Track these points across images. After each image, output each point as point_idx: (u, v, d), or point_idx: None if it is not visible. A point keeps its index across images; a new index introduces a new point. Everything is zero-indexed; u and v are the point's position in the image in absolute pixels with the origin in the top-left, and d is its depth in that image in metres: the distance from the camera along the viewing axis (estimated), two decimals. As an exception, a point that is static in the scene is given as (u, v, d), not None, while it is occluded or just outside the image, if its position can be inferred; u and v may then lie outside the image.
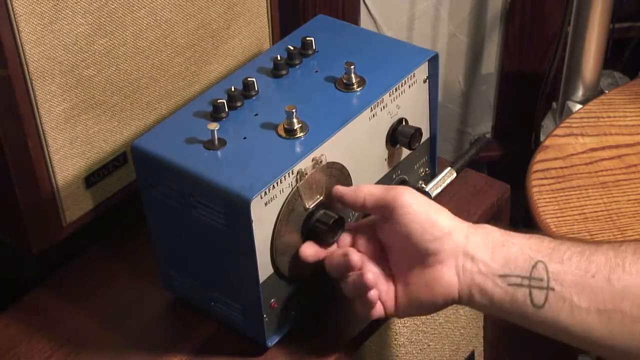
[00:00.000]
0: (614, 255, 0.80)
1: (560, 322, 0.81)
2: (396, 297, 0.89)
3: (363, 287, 0.87)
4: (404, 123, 0.99)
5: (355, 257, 0.88)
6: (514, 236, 0.85)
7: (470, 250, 0.85)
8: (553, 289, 0.81)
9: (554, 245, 0.83)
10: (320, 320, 0.97)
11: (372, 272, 0.88)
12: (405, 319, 1.04)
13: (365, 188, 0.89)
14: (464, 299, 0.86)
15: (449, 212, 0.88)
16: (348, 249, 0.89)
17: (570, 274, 0.81)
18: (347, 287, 0.89)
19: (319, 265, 0.95)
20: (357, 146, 0.94)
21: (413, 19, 1.83)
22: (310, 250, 0.90)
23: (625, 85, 1.40)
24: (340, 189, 0.91)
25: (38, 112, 0.93)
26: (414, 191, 0.88)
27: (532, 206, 1.18)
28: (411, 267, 0.87)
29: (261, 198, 0.85)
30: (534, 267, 0.82)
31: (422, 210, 0.86)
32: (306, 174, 0.89)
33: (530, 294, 0.82)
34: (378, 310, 0.89)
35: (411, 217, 0.86)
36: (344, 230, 0.91)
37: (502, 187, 1.12)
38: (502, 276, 0.84)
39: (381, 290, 0.88)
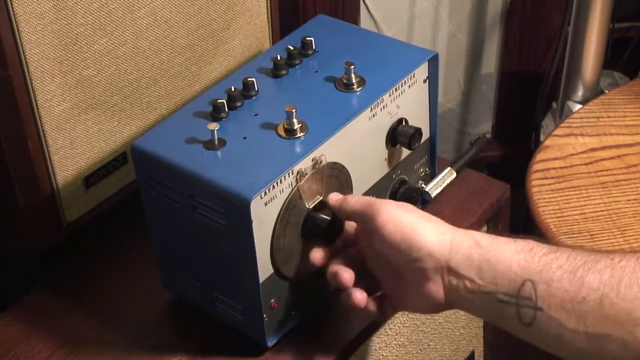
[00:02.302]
0: (609, 276, 0.76)
1: (549, 341, 0.79)
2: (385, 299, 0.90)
3: (353, 306, 0.88)
4: (403, 123, 0.99)
5: (345, 275, 0.88)
6: (502, 250, 0.81)
7: (455, 267, 0.83)
8: (541, 309, 0.78)
9: (544, 262, 0.79)
10: (320, 320, 0.97)
11: (360, 292, 0.88)
12: (405, 319, 1.04)
13: (348, 203, 0.89)
14: (454, 307, 0.86)
15: (430, 223, 0.85)
16: (339, 268, 0.88)
17: (558, 297, 0.77)
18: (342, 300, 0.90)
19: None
20: (357, 146, 0.94)
21: (413, 19, 1.83)
22: (319, 254, 0.90)
23: (625, 85, 1.40)
24: (331, 199, 0.91)
25: (38, 112, 0.93)
26: (390, 209, 0.85)
27: (532, 206, 1.18)
28: (398, 282, 0.87)
29: (261, 198, 0.85)
30: (521, 285, 0.79)
31: (396, 233, 0.84)
32: (306, 174, 0.89)
33: (518, 312, 0.80)
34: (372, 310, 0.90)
35: (387, 241, 0.84)
36: (343, 229, 0.92)
37: (502, 187, 1.12)
38: (489, 293, 0.81)
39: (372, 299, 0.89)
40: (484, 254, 0.82)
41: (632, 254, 0.77)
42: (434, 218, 0.86)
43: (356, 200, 0.89)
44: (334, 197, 0.90)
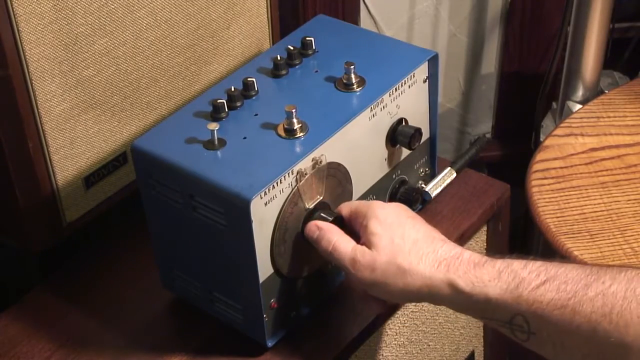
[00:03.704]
0: (601, 304, 0.75)
1: (546, 354, 0.79)
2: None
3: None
4: (403, 123, 0.99)
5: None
6: (487, 291, 0.80)
7: (445, 298, 0.83)
8: (535, 334, 0.79)
9: (533, 298, 0.78)
10: (320, 320, 0.97)
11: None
12: (405, 319, 1.04)
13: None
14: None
15: (419, 254, 0.85)
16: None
17: (551, 326, 0.77)
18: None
19: (318, 265, 0.95)
20: (357, 146, 0.94)
21: (413, 19, 1.83)
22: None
23: (625, 85, 1.40)
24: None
25: (38, 112, 0.93)
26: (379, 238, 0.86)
27: (532, 206, 1.18)
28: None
29: (261, 198, 0.85)
30: (513, 317, 0.79)
31: (390, 264, 0.85)
32: (306, 174, 0.89)
33: (513, 332, 0.80)
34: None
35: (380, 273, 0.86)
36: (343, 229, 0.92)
37: (502, 187, 1.12)
38: (483, 318, 0.83)
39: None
40: (468, 299, 0.82)
41: (623, 272, 0.76)
42: (418, 249, 0.85)
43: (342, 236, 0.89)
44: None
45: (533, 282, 0.79)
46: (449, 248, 0.85)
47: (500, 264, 0.81)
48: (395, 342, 1.05)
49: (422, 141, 1.02)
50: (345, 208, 0.92)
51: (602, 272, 0.77)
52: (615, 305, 0.75)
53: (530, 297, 0.78)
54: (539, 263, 0.80)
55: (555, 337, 0.78)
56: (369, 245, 0.87)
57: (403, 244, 0.85)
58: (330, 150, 0.91)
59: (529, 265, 0.80)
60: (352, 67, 0.95)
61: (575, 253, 1.10)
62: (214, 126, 0.89)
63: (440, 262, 0.84)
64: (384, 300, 0.91)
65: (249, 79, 0.96)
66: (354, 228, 0.90)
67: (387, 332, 1.02)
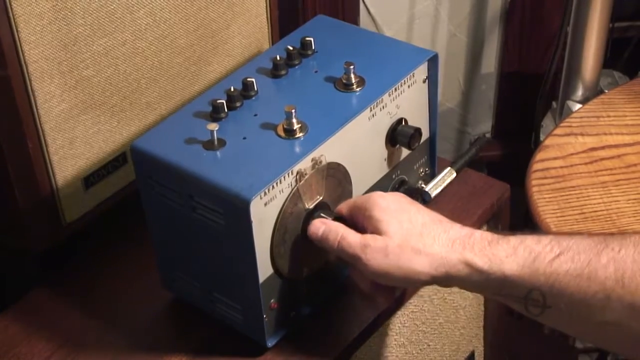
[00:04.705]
0: (613, 270, 0.77)
1: (558, 326, 0.81)
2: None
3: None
4: (403, 123, 0.99)
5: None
6: (503, 268, 0.80)
7: (461, 278, 0.83)
8: (550, 307, 0.79)
9: (550, 271, 0.79)
10: (320, 320, 0.97)
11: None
12: (405, 319, 1.04)
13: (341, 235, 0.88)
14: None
15: (425, 256, 0.84)
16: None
17: (567, 296, 0.78)
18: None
19: (318, 265, 0.95)
20: (356, 146, 0.94)
21: (413, 19, 1.83)
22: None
23: (625, 85, 1.40)
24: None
25: (37, 112, 0.93)
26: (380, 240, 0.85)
27: (532, 206, 1.17)
28: None
29: (261, 198, 0.85)
30: (529, 292, 0.80)
31: (393, 263, 0.85)
32: (306, 174, 0.89)
33: (526, 308, 0.81)
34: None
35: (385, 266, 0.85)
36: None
37: (502, 187, 1.12)
38: (497, 295, 0.83)
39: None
40: (485, 277, 0.81)
41: (628, 237, 0.78)
42: (429, 231, 0.85)
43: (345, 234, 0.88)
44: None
45: (548, 255, 0.79)
46: (459, 228, 0.85)
47: (514, 240, 0.81)
48: (395, 342, 1.05)
49: (421, 141, 1.01)
50: (344, 206, 0.92)
51: (610, 240, 0.79)
52: (627, 269, 0.76)
53: (547, 270, 0.79)
54: (550, 237, 0.81)
55: (571, 308, 0.78)
56: (378, 232, 0.86)
57: (412, 227, 0.85)
58: (330, 151, 0.90)
59: (542, 240, 0.80)
60: (351, 67, 0.95)
61: (575, 253, 1.10)
62: (213, 126, 0.89)
63: (454, 241, 0.83)
64: (391, 290, 0.91)
65: (249, 79, 0.96)
66: (357, 222, 0.89)
67: (387, 332, 1.02)
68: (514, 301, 0.81)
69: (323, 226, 0.89)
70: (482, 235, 0.83)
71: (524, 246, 0.81)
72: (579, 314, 0.78)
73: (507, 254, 0.81)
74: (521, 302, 0.81)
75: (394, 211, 0.87)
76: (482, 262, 0.82)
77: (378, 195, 0.89)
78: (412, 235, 0.85)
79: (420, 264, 0.84)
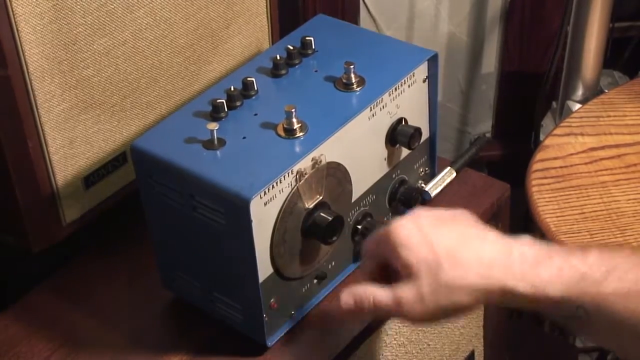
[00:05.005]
0: None
1: (596, 340, 0.80)
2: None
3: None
4: (403, 123, 0.99)
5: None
6: (551, 279, 0.77)
7: (502, 302, 0.80)
8: (592, 323, 0.77)
9: (599, 289, 0.76)
10: (320, 320, 0.97)
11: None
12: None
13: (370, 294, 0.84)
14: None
15: (462, 266, 0.80)
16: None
17: (612, 314, 0.76)
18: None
19: (318, 264, 0.95)
20: (356, 146, 0.94)
21: (413, 18, 1.83)
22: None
23: (625, 85, 1.40)
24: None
25: (38, 112, 0.93)
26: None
27: (532, 206, 1.17)
28: None
29: (261, 198, 0.85)
30: (573, 310, 0.77)
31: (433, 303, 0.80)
32: (306, 173, 0.89)
33: (565, 321, 0.79)
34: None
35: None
36: (342, 229, 0.92)
37: (502, 187, 1.12)
38: (537, 310, 0.80)
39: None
40: (527, 299, 0.78)
41: None
42: (459, 258, 0.80)
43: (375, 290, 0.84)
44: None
45: (595, 275, 0.77)
46: (493, 242, 0.81)
47: (557, 259, 0.78)
48: (395, 342, 1.04)
49: (421, 141, 1.01)
50: (371, 242, 0.86)
51: None
52: None
53: (593, 290, 0.76)
54: (595, 254, 0.78)
55: (614, 325, 0.76)
56: (407, 275, 0.81)
57: (439, 258, 0.80)
58: (330, 150, 0.90)
59: (588, 258, 0.77)
60: (351, 66, 0.95)
61: (575, 253, 1.10)
62: (213, 126, 0.89)
63: (491, 267, 0.79)
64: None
65: (249, 79, 0.96)
66: (384, 255, 0.84)
67: (387, 332, 1.02)
68: (555, 316, 0.79)
69: (351, 299, 0.84)
70: (521, 254, 0.79)
71: (569, 266, 0.78)
72: (623, 332, 0.76)
73: (551, 275, 0.78)
74: (563, 319, 0.79)
75: (417, 244, 0.81)
76: (524, 287, 0.78)
77: (397, 225, 0.83)
78: (442, 270, 0.80)
79: (459, 298, 0.80)
